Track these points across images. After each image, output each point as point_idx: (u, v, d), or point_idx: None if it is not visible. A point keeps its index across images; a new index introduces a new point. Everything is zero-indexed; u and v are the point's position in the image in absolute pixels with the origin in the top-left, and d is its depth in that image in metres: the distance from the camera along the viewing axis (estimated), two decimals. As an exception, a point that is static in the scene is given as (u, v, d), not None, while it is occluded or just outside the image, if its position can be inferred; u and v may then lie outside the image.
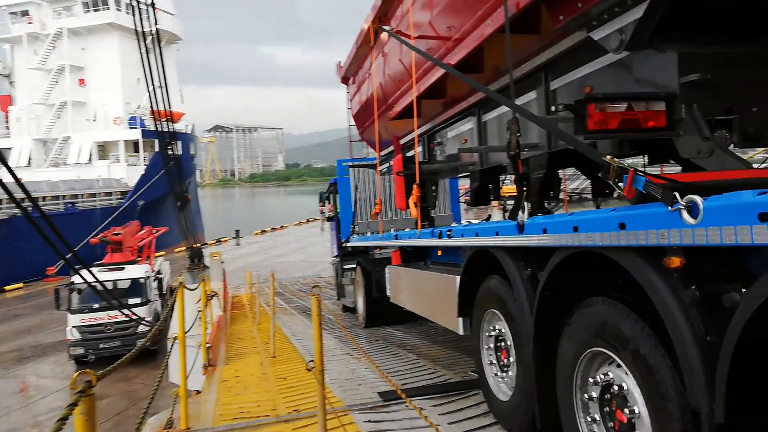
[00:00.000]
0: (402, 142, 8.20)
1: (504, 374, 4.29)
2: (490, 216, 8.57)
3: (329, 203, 13.44)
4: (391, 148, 8.69)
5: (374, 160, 9.99)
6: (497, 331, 4.31)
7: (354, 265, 11.12)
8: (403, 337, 9.53)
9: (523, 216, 3.48)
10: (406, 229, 7.67)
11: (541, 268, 3.41)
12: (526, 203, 3.65)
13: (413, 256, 7.33)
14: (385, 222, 10.23)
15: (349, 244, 11.15)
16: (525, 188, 3.86)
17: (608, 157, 2.45)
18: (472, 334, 4.76)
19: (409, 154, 7.68)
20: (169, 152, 16.00)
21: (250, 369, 7.62)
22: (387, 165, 9.35)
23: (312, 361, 3.95)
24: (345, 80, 10.30)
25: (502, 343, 4.28)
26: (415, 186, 6.53)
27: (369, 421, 4.75)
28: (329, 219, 13.71)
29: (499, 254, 4.00)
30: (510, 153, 3.43)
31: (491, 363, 4.48)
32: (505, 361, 4.24)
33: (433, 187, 7.59)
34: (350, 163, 11.71)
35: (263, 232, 48.74)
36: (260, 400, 5.85)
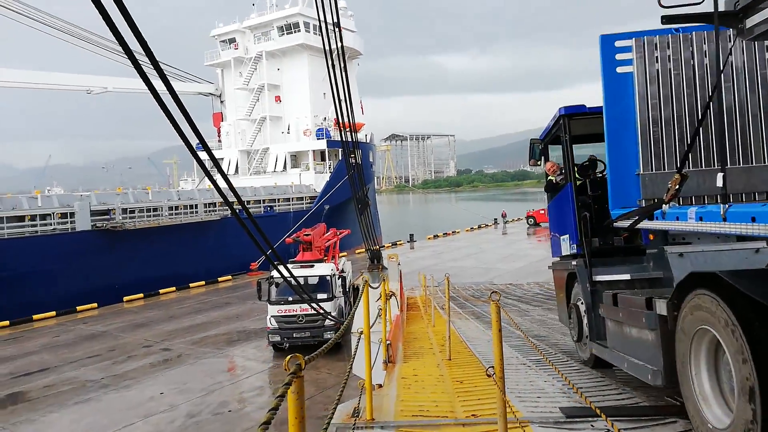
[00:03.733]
0: None
1: (721, 399, 3.88)
2: None
3: (546, 160, 8.10)
4: None
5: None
6: (708, 351, 3.91)
7: (627, 276, 6.06)
8: (584, 351, 8.98)
9: None
10: None
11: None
12: None
13: None
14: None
15: (647, 225, 5.05)
16: None
17: None
18: (677, 354, 4.22)
19: None
20: (351, 160, 17.12)
21: (427, 369, 7.80)
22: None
23: (491, 367, 3.91)
24: None
25: (721, 365, 3.83)
26: None
27: (551, 435, 4.56)
28: (550, 188, 8.19)
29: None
30: None
31: (701, 387, 4.01)
32: (722, 385, 3.85)
33: None
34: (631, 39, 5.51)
35: (436, 236, 49.63)
36: (438, 400, 5.95)
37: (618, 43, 5.58)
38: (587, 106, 6.93)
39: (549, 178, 8.17)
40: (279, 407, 2.06)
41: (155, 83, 3.39)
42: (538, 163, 8.14)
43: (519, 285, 24.18)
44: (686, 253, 5.28)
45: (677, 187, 4.37)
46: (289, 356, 2.30)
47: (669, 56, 5.36)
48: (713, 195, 5.03)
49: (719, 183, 3.81)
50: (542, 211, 55.51)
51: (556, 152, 7.90)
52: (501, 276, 27.29)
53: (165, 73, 3.36)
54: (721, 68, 4.97)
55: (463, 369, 7.55)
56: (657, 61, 5.37)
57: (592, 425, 4.75)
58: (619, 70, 5.60)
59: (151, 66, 3.24)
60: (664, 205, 4.60)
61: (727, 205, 3.67)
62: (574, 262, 6.92)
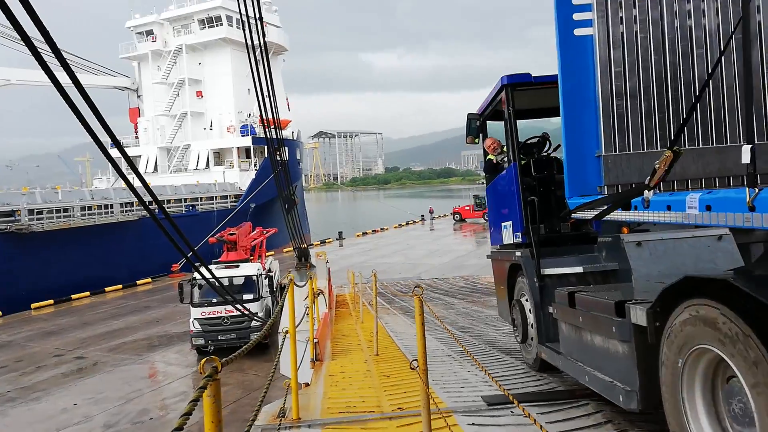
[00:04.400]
0: None
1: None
2: None
3: (485, 137, 7.30)
4: None
5: None
6: (705, 376, 3.09)
7: (579, 269, 5.55)
8: (506, 341, 9.35)
9: None
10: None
11: None
12: None
13: None
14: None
15: (621, 216, 4.23)
16: None
17: None
18: (664, 379, 3.38)
19: None
20: (278, 158, 16.86)
21: (355, 365, 7.84)
22: None
23: (415, 360, 3.99)
24: None
25: (724, 394, 3.00)
26: None
27: (473, 424, 4.71)
28: (490, 169, 7.39)
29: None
30: None
31: (697, 422, 3.14)
32: (733, 413, 2.93)
33: None
34: None
35: (364, 234, 49.86)
36: (365, 396, 6.00)
37: (576, 0, 4.62)
38: (533, 75, 6.19)
39: (488, 157, 7.27)
40: (192, 413, 2.00)
41: (60, 76, 3.20)
42: (476, 140, 7.14)
43: (445, 279, 24.77)
44: (645, 242, 4.62)
45: (666, 168, 3.56)
46: (203, 359, 2.24)
47: (635, 16, 4.43)
48: (723, 176, 4.21)
49: (745, 159, 2.86)
50: (467, 208, 57.22)
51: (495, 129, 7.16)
52: (428, 271, 27.84)
53: (69, 63, 3.17)
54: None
55: (390, 363, 7.65)
56: (621, 22, 4.45)
57: (511, 411, 4.95)
58: (577, 32, 4.66)
59: (53, 55, 3.06)
60: (646, 192, 3.71)
61: (757, 189, 2.77)
62: (518, 253, 6.07)
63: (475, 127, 7.04)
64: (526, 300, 6.12)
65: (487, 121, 7.25)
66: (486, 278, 25.15)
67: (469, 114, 7.06)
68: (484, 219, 55.57)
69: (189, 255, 6.09)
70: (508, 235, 6.68)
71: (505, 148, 6.82)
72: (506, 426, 4.68)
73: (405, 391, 5.97)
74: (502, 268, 6.99)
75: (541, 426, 2.97)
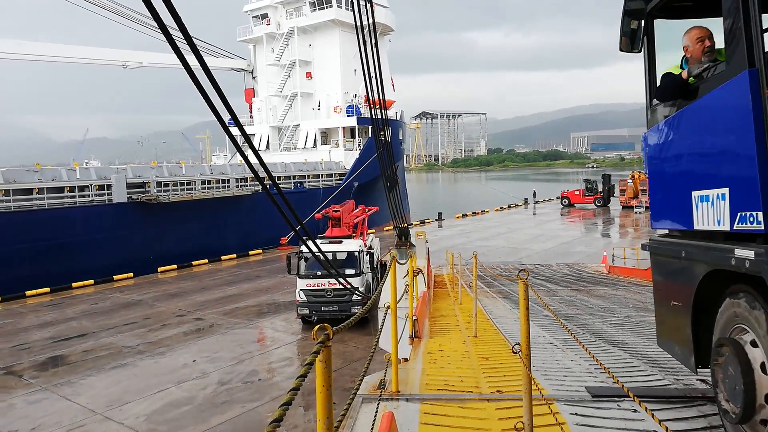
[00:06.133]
0: None
1: None
2: None
3: (651, 41, 4.49)
4: None
5: None
6: None
7: None
8: (614, 333, 8.92)
9: None
10: None
11: None
12: None
13: None
14: None
15: None
16: None
17: None
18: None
19: None
20: (381, 138, 17.06)
21: (453, 345, 7.85)
22: None
23: (518, 344, 3.92)
24: None
25: None
26: None
27: (576, 414, 4.56)
28: (672, 89, 4.04)
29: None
30: None
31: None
32: None
33: None
34: None
35: (464, 216, 49.37)
36: (463, 375, 6.00)
37: None
38: None
39: (668, 70, 4.15)
40: (307, 375, 2.12)
41: (188, 58, 3.44)
42: (636, 48, 4.41)
43: (548, 265, 23.97)
44: None
45: None
46: (317, 326, 2.35)
47: None
48: None
49: None
50: (577, 192, 54.48)
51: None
52: (530, 256, 27.07)
53: (198, 48, 3.40)
54: None
55: (489, 346, 7.57)
56: None
57: (618, 405, 4.73)
58: None
59: (185, 41, 3.29)
60: None
61: None
62: (743, 252, 3.19)
63: (635, 28, 4.37)
64: (755, 344, 3.22)
65: (659, 20, 4.42)
66: (593, 267, 24.00)
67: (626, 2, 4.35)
68: (596, 205, 52.78)
69: (297, 228, 6.39)
70: (708, 214, 3.65)
71: (722, 52, 3.61)
72: (612, 419, 4.48)
73: (504, 374, 5.90)
74: (684, 274, 4.08)
75: (660, 421, 2.78)
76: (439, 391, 5.37)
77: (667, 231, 4.60)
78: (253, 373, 11.93)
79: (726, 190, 3.40)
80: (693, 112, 3.86)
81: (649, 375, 5.88)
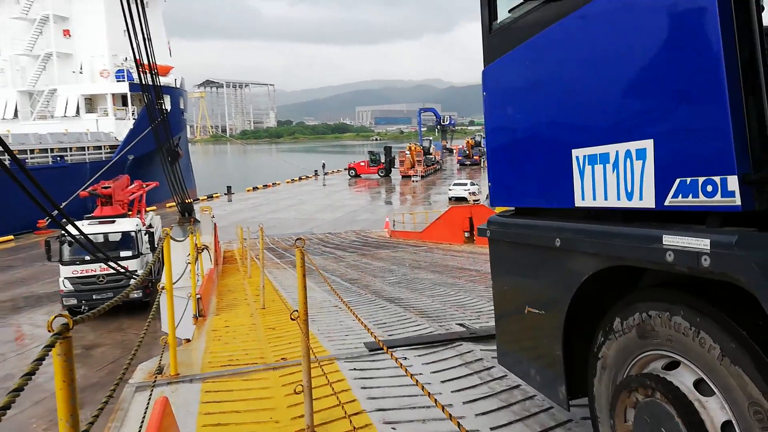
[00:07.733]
0: None
1: None
2: None
3: None
4: None
5: None
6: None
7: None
8: (391, 291, 9.71)
9: None
10: None
11: None
12: None
13: None
14: None
15: None
16: None
17: None
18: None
19: None
20: (158, 107, 15.74)
21: (240, 320, 7.75)
22: None
23: (296, 310, 4.01)
24: None
25: None
26: None
27: (354, 369, 4.88)
28: None
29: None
30: None
31: None
32: None
33: None
34: None
35: (255, 189, 48.57)
36: (249, 348, 5.97)
37: None
38: None
39: None
40: (35, 373, 1.86)
41: None
42: None
43: (337, 233, 25.00)
44: None
45: None
46: (53, 316, 2.09)
47: None
48: None
49: None
50: (362, 164, 57.68)
51: None
52: (320, 226, 27.91)
53: None
54: None
55: (277, 316, 7.65)
56: None
57: (391, 355, 5.18)
58: None
59: None
60: None
61: None
62: (683, 241, 1.93)
63: None
64: (706, 391, 2.00)
65: None
66: (377, 232, 25.72)
67: None
68: (379, 175, 56.55)
69: (53, 211, 5.57)
70: (605, 183, 2.39)
71: None
72: (386, 369, 4.89)
73: (290, 342, 6.03)
74: (554, 271, 2.86)
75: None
76: (223, 367, 5.26)
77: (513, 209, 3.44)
78: (8, 377, 10.30)
79: (649, 143, 2.11)
80: (582, 17, 2.42)
81: (419, 325, 6.55)
